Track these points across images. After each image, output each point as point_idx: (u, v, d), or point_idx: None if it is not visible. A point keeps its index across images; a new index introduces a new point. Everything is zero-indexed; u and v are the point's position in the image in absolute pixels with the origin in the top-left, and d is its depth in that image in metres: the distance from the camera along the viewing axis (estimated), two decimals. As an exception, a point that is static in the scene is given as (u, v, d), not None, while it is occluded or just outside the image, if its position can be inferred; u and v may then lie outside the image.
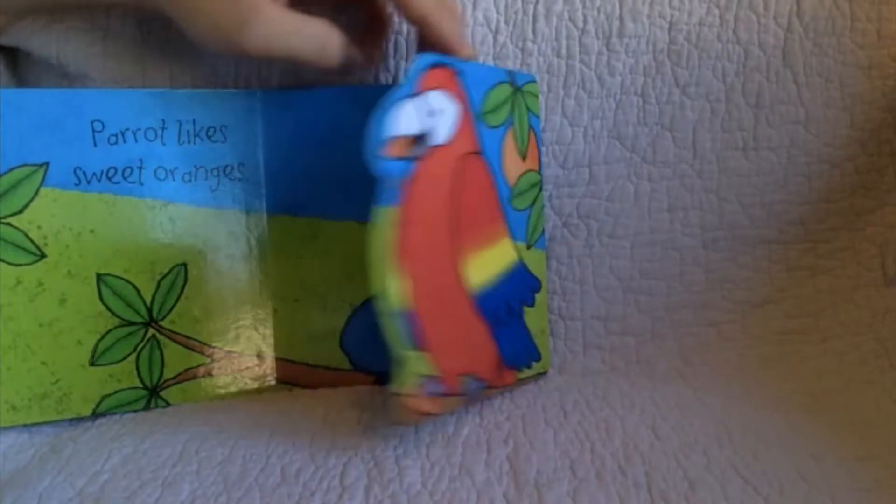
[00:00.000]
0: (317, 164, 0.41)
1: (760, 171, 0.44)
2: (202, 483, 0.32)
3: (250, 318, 0.41)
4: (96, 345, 0.39)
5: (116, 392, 0.39)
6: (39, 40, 0.41)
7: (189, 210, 0.40)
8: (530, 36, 0.43)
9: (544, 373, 0.42)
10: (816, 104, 0.43)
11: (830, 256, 0.44)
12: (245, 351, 0.41)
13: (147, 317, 0.39)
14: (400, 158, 0.33)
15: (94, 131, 0.38)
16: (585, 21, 0.43)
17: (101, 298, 0.39)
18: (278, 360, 0.42)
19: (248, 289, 0.41)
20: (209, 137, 0.40)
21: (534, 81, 0.41)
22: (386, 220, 0.32)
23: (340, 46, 0.37)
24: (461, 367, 0.36)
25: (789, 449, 0.34)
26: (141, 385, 0.40)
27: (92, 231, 0.38)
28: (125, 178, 0.39)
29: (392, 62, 0.43)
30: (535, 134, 0.42)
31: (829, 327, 0.43)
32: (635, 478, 0.32)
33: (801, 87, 0.43)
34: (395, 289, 0.32)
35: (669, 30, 0.43)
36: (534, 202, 0.41)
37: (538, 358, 0.42)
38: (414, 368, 0.33)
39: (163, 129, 0.39)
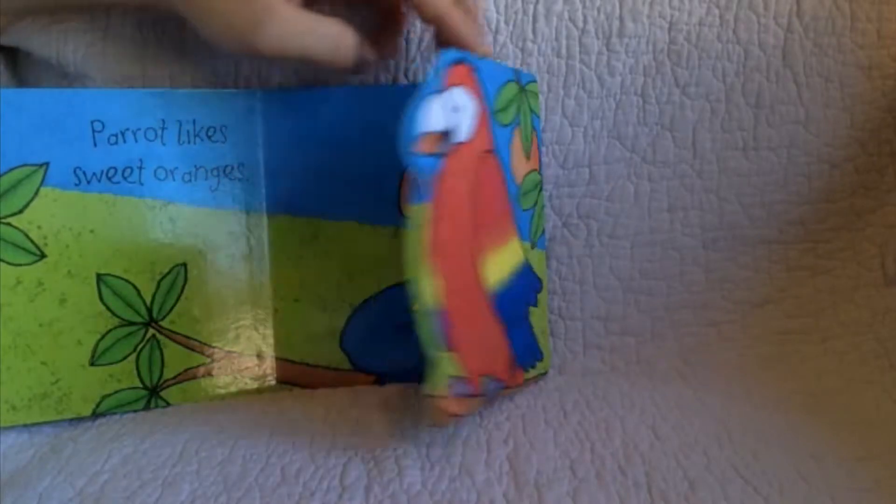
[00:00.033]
0: (317, 164, 0.41)
1: (760, 171, 0.44)
2: (202, 483, 0.32)
3: (250, 318, 0.41)
4: (96, 345, 0.39)
5: (116, 392, 0.39)
6: (39, 40, 0.41)
7: (189, 210, 0.40)
8: (530, 36, 0.43)
9: (545, 373, 0.42)
10: (816, 104, 0.43)
11: (830, 256, 0.44)
12: (245, 351, 0.41)
13: (147, 317, 0.39)
14: (430, 155, 0.32)
15: (94, 131, 0.38)
16: (585, 21, 0.43)
17: (101, 298, 0.39)
18: (278, 360, 0.42)
19: (248, 289, 0.41)
20: (209, 137, 0.40)
21: (535, 81, 0.41)
22: (420, 218, 0.31)
23: (354, 46, 0.37)
24: (482, 367, 0.35)
25: (789, 449, 0.34)
26: (141, 385, 0.40)
27: (92, 231, 0.38)
28: (125, 178, 0.39)
29: (391, 63, 0.43)
30: (536, 134, 0.42)
31: (829, 327, 0.43)
32: (635, 478, 0.32)
33: (801, 87, 0.43)
34: (429, 287, 0.31)
35: (669, 30, 0.43)
36: (536, 202, 0.41)
37: (541, 358, 0.42)
38: (444, 369, 0.32)
39: (163, 129, 0.39)
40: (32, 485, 0.33)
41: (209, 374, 0.41)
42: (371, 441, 0.35)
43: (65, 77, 0.42)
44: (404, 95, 0.41)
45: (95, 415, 0.39)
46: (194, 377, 0.41)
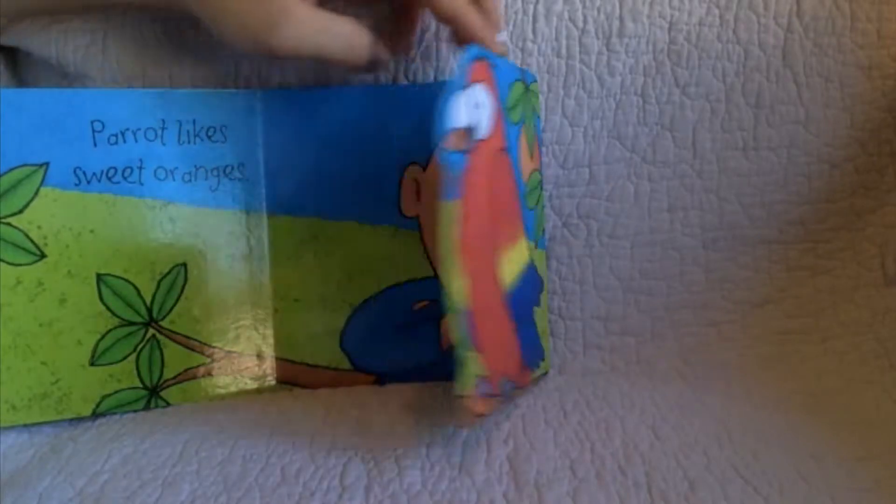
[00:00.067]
0: (317, 164, 0.41)
1: (760, 171, 0.44)
2: (202, 483, 0.32)
3: (250, 318, 0.41)
4: (96, 345, 0.39)
5: (116, 392, 0.39)
6: (39, 40, 0.41)
7: (189, 210, 0.40)
8: (530, 36, 0.43)
9: (545, 373, 0.42)
10: (816, 104, 0.43)
11: (830, 256, 0.44)
12: (245, 351, 0.41)
13: (147, 317, 0.39)
14: (458, 151, 0.32)
15: (94, 131, 0.38)
16: (585, 21, 0.43)
17: (101, 298, 0.39)
18: (278, 360, 0.42)
19: (248, 289, 0.41)
20: (209, 137, 0.40)
21: (535, 81, 0.41)
22: (452, 215, 0.30)
23: (368, 45, 0.37)
24: (500, 367, 0.35)
25: (789, 449, 0.34)
26: (141, 385, 0.40)
27: (92, 231, 0.38)
28: (125, 178, 0.39)
29: (391, 63, 0.43)
30: (538, 134, 0.42)
31: (829, 327, 0.43)
32: (635, 478, 0.32)
33: (801, 87, 0.43)
34: (460, 286, 0.31)
35: (669, 30, 0.43)
36: (538, 201, 0.41)
37: (543, 358, 0.42)
38: (471, 369, 0.32)
39: (163, 129, 0.39)
40: (32, 485, 0.33)
41: (209, 374, 0.41)
42: (371, 441, 0.35)
43: (65, 77, 0.42)
44: (404, 95, 0.41)
45: (95, 415, 0.39)
46: (194, 377, 0.41)
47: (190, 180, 0.40)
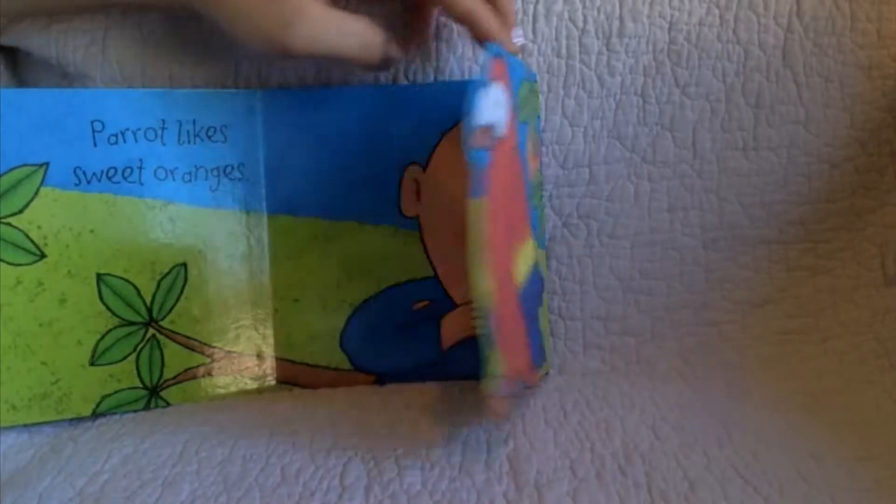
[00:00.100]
0: (317, 163, 0.41)
1: (760, 171, 0.44)
2: (202, 483, 0.32)
3: (250, 318, 0.41)
4: (96, 345, 0.39)
5: (116, 392, 0.39)
6: (39, 40, 0.41)
7: (189, 210, 0.40)
8: (530, 36, 0.43)
9: (546, 373, 0.42)
10: (816, 104, 0.43)
11: (830, 256, 0.44)
12: (245, 351, 0.41)
13: (147, 317, 0.39)
14: (483, 148, 0.31)
15: (94, 131, 0.38)
16: (585, 21, 0.43)
17: (101, 298, 0.39)
18: (278, 360, 0.42)
19: (248, 289, 0.41)
20: (209, 137, 0.40)
21: (536, 81, 0.41)
22: (480, 212, 0.30)
23: (381, 43, 0.37)
24: (516, 366, 0.35)
25: (789, 449, 0.34)
26: (141, 385, 0.40)
27: (92, 231, 0.38)
28: (125, 178, 0.39)
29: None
30: (539, 133, 0.42)
31: (829, 327, 0.43)
32: (635, 478, 0.32)
33: (801, 87, 0.43)
34: (487, 287, 0.30)
35: (669, 30, 0.43)
36: (540, 200, 0.41)
37: (545, 358, 0.42)
38: (495, 369, 0.31)
39: (163, 129, 0.39)
40: (32, 485, 0.33)
41: (209, 374, 0.41)
42: (371, 441, 0.35)
43: (65, 77, 0.42)
44: (404, 95, 0.41)
45: (95, 415, 0.39)
46: (194, 377, 0.41)
47: (190, 180, 0.40)
